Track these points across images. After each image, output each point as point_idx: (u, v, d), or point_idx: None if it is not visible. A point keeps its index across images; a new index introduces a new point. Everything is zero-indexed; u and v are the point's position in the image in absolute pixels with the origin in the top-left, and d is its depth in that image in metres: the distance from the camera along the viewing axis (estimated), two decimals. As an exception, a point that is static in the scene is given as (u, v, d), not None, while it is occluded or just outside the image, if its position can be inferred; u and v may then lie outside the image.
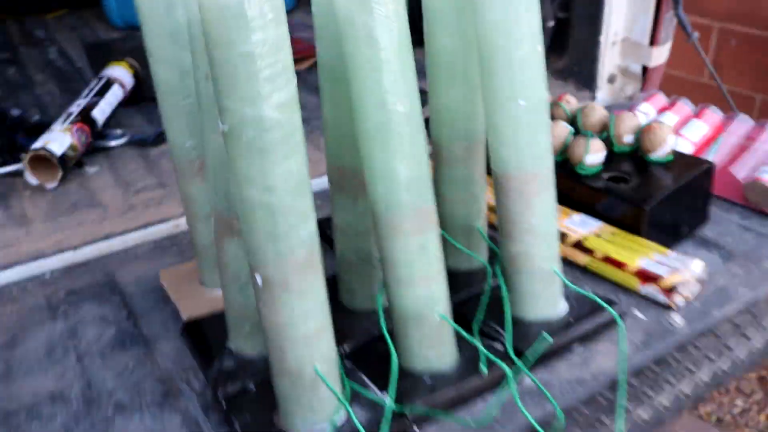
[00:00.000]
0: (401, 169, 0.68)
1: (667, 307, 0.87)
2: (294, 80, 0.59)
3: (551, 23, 1.61)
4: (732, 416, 2.07)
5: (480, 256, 0.91)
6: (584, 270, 0.95)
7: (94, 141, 1.39)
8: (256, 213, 0.61)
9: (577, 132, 1.08)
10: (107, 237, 1.14)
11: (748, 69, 2.51)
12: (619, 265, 0.90)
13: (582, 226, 0.97)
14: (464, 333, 0.76)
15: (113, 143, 1.42)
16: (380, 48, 0.65)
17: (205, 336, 0.86)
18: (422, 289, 0.73)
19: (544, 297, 0.81)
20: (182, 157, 0.86)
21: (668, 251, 0.90)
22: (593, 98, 1.57)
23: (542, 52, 0.72)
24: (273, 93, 0.57)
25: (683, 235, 1.01)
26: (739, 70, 2.54)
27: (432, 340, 0.75)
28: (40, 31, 2.30)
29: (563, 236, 0.96)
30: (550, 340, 0.77)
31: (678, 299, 0.86)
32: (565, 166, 1.03)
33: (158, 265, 1.05)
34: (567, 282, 0.81)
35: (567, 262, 0.96)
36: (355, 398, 0.74)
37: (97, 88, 1.47)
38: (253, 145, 0.59)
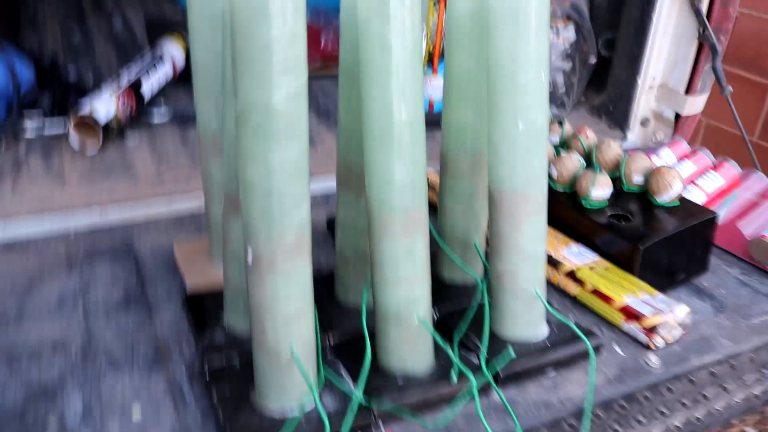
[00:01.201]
0: (397, 173, 0.72)
1: (646, 347, 0.89)
2: (304, 74, 0.64)
3: (594, 60, 1.63)
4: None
5: (474, 271, 0.95)
6: (574, 300, 0.98)
7: (139, 115, 1.46)
8: (254, 193, 0.66)
9: (591, 166, 1.10)
10: (133, 204, 1.20)
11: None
12: (606, 299, 0.92)
13: (578, 257, 0.99)
14: (439, 339, 0.79)
15: (156, 120, 1.49)
16: (392, 55, 0.69)
17: (204, 309, 0.91)
18: (405, 290, 0.76)
19: (525, 318, 0.84)
20: (207, 136, 0.91)
21: (657, 293, 0.92)
22: (624, 138, 1.59)
23: (546, 81, 0.76)
24: (283, 85, 0.62)
25: (679, 281, 1.03)
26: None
27: (409, 342, 0.79)
28: (109, 1, 2.40)
29: (558, 265, 0.99)
30: (513, 355, 0.80)
31: (657, 340, 0.89)
32: (573, 198, 1.06)
33: (176, 237, 1.11)
34: (548, 306, 0.84)
35: (559, 291, 0.99)
36: (328, 387, 0.78)
37: (150, 64, 1.54)
38: (259, 130, 0.63)
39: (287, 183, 0.65)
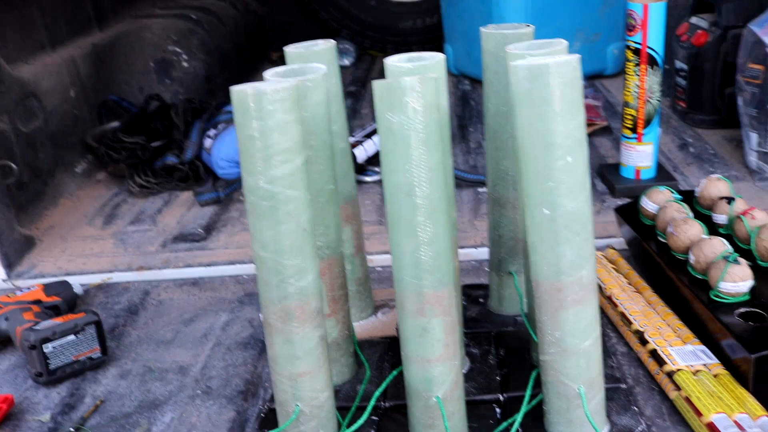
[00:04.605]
0: (405, 249, 0.73)
1: (730, 475, 0.75)
2: (293, 161, 0.69)
3: None
4: None
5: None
6: (672, 405, 0.85)
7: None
8: (256, 262, 0.73)
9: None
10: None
11: None
12: (696, 411, 0.79)
13: (687, 357, 0.86)
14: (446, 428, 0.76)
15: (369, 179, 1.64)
16: (400, 139, 0.70)
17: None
18: (419, 369, 0.76)
19: (568, 417, 0.77)
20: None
21: (763, 415, 0.76)
22: None
23: (578, 163, 0.69)
24: (267, 169, 0.69)
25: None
26: None
27: (426, 420, 0.78)
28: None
29: (662, 363, 0.87)
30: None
31: (741, 471, 0.73)
32: (706, 289, 0.92)
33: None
34: (586, 410, 0.76)
35: (662, 392, 0.87)
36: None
37: (369, 130, 1.70)
38: (253, 207, 0.71)
39: (279, 256, 0.71)
